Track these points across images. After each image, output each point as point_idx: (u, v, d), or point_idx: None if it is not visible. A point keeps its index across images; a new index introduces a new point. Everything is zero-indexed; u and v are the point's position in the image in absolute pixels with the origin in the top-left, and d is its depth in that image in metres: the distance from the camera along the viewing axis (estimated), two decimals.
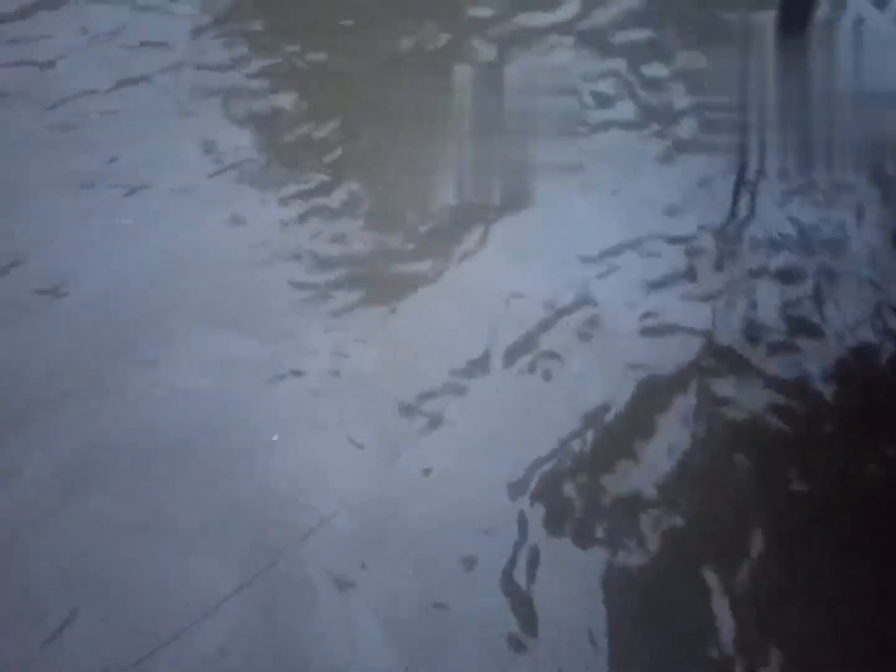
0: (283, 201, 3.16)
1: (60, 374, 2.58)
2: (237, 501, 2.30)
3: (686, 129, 3.46)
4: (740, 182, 3.21)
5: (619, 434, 2.47)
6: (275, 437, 2.45)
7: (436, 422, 2.48)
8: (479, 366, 2.64)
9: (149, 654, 2.01)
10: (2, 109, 3.57)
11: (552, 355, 2.68)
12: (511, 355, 2.67)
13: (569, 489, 2.35)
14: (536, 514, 2.29)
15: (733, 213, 3.12)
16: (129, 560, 2.19)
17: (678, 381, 2.60)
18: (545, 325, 2.75)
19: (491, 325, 2.75)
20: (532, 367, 2.64)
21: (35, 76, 3.73)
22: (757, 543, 2.25)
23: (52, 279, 2.89)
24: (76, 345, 2.68)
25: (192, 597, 2.11)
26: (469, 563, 2.19)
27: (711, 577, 2.18)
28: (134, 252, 3.00)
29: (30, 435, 2.44)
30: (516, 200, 3.17)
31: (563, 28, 3.94)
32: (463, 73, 3.71)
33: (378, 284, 2.87)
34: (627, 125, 3.49)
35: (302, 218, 3.10)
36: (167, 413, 2.49)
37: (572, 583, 2.17)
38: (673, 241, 3.03)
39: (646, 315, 2.78)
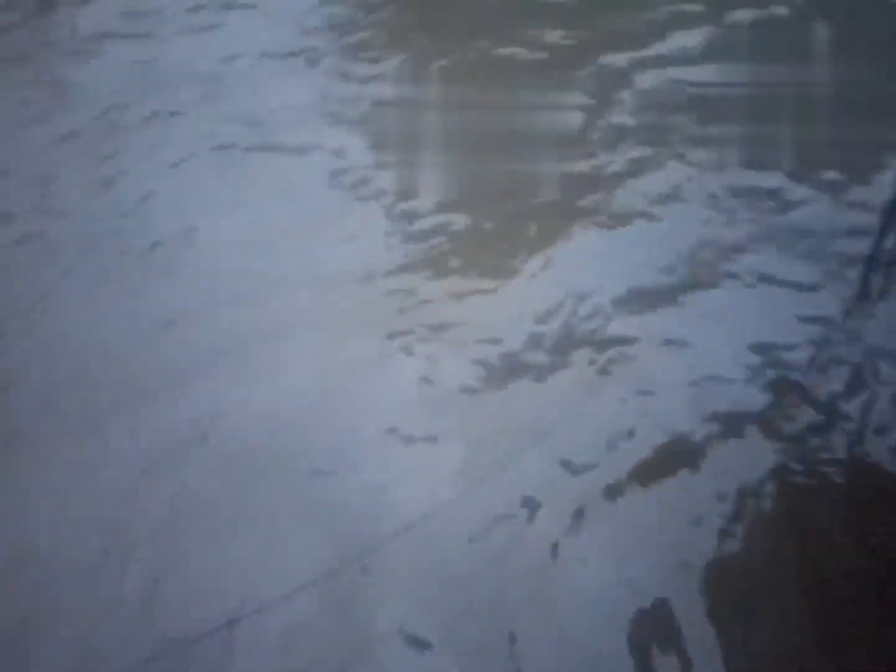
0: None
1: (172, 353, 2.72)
2: (328, 497, 2.35)
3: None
4: (872, 264, 3.02)
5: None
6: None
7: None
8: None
9: (224, 625, 2.10)
10: (161, 77, 3.83)
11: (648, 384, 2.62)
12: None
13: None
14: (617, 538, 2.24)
15: (862, 296, 2.95)
16: (217, 534, 2.29)
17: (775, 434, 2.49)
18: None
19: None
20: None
21: (200, 42, 3.99)
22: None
23: (179, 228, 3.09)
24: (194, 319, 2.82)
25: (273, 578, 2.18)
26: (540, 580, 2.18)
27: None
28: (256, 212, 3.15)
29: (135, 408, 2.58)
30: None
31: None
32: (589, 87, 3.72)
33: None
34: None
35: (423, 234, 3.15)
36: (272, 406, 2.57)
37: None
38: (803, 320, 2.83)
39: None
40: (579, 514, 2.27)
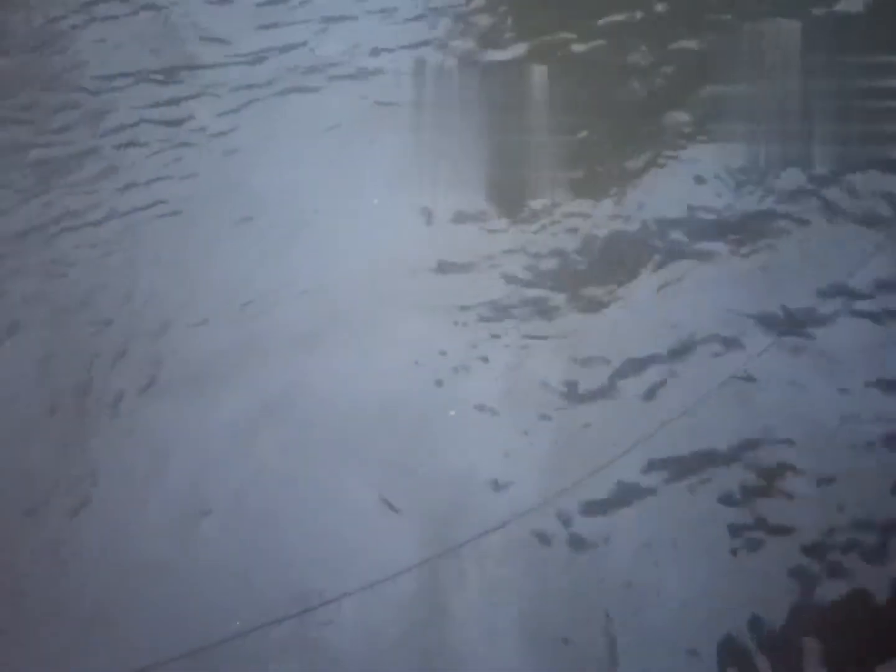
0: None
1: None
2: (420, 477, 2.40)
3: None
4: None
5: None
6: (452, 413, 2.53)
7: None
8: None
9: (314, 607, 2.18)
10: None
11: None
12: None
13: None
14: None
15: None
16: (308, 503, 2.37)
17: None
18: None
19: None
20: None
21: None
22: None
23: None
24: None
25: (365, 561, 2.24)
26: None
27: None
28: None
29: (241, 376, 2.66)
30: None
31: None
32: None
33: None
34: None
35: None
36: (366, 378, 2.62)
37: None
38: None
39: None
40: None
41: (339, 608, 2.16)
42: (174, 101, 3.53)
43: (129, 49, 3.75)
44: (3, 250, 3.07)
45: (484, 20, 3.66)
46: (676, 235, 2.83)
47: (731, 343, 2.53)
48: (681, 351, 2.54)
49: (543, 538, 2.26)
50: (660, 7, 3.47)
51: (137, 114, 3.49)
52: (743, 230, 2.80)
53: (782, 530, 2.18)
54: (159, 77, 3.63)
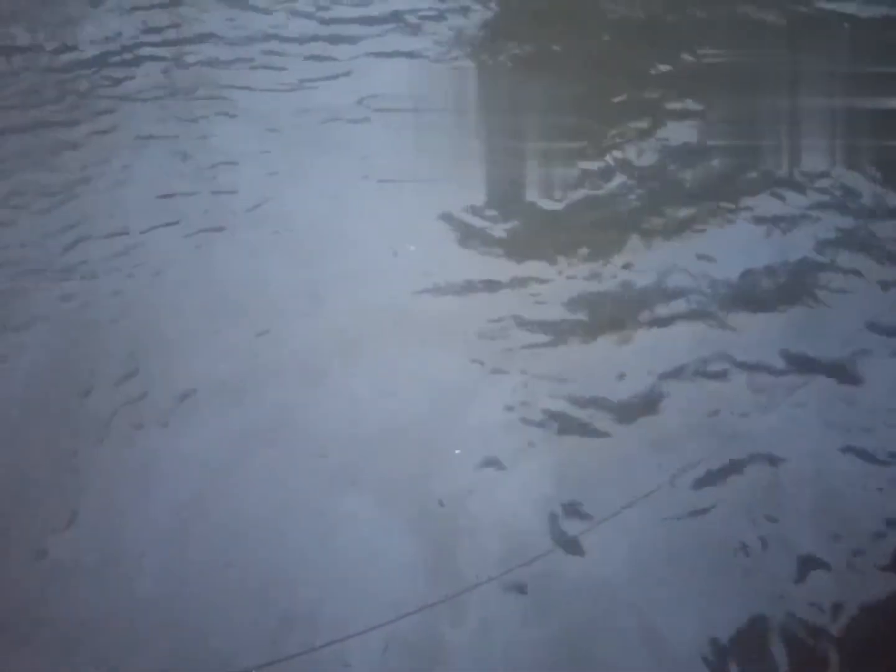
0: None
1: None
2: (424, 511, 2.37)
3: None
4: None
5: None
6: (457, 451, 2.51)
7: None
8: None
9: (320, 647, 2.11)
10: None
11: None
12: None
13: None
14: None
15: None
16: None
17: None
18: None
19: None
20: None
21: None
22: None
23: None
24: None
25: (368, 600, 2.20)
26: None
27: None
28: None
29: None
30: None
31: None
32: None
33: None
34: None
35: None
36: (373, 409, 2.62)
37: None
38: None
39: None
40: None
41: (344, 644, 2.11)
42: (209, 119, 3.63)
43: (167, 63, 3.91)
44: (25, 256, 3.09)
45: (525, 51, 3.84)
46: None
47: None
48: None
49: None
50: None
51: (170, 127, 3.59)
52: None
53: None
54: (197, 95, 3.74)
